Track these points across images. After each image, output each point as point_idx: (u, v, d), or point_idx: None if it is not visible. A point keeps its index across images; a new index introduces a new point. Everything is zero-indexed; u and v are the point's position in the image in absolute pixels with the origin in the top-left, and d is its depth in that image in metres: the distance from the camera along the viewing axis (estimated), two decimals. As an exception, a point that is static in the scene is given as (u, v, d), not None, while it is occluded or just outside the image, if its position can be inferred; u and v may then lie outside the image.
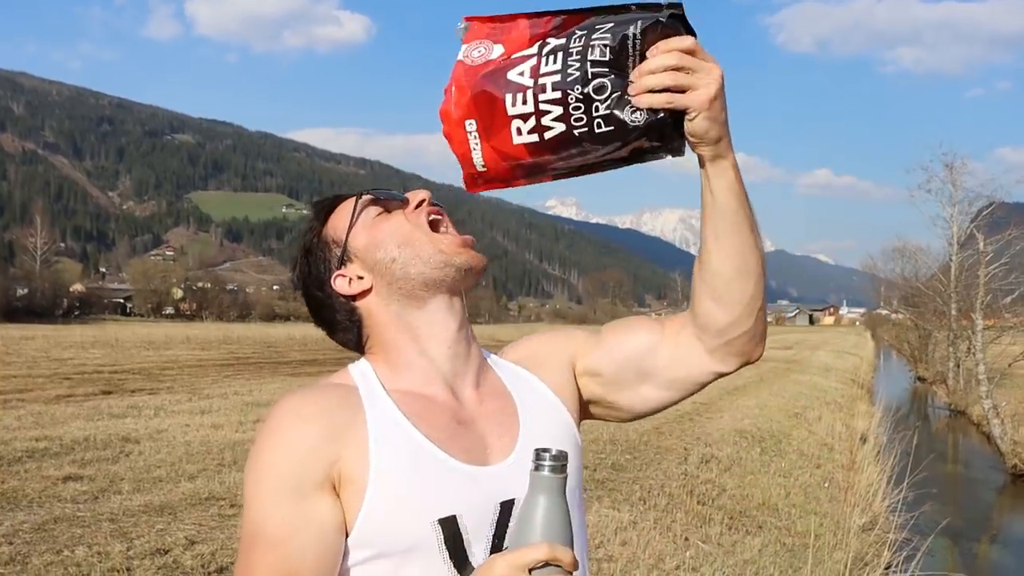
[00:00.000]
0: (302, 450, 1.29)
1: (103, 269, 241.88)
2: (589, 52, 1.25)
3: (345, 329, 1.48)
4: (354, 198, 1.49)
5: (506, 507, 1.32)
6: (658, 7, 1.24)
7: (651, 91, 1.22)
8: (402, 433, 1.33)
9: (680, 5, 1.24)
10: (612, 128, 1.26)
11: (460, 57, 1.37)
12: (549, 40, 1.31)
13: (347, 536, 1.30)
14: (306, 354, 34.62)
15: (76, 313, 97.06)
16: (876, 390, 29.55)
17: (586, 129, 1.27)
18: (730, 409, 17.69)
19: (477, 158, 1.37)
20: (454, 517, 1.28)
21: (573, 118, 1.27)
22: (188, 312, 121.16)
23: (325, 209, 1.52)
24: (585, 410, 1.59)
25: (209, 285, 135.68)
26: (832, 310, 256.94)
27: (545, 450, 1.16)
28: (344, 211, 1.48)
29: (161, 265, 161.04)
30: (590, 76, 1.25)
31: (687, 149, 1.31)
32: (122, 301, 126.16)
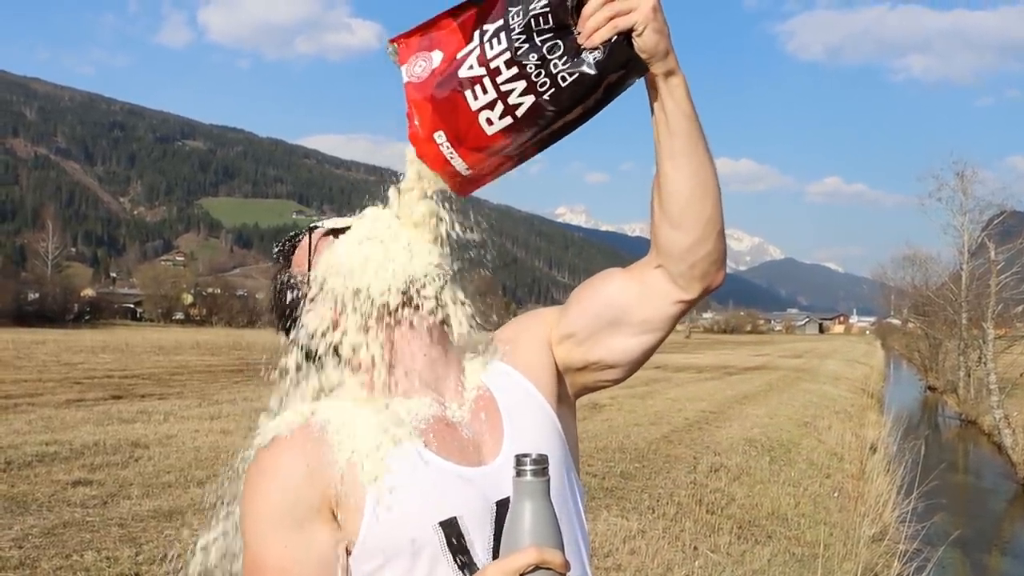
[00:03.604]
0: (295, 480, 1.31)
1: (113, 274, 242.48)
2: (532, 23, 1.27)
3: (329, 359, 1.49)
4: (307, 233, 1.52)
5: (502, 505, 1.32)
6: None
7: (598, 29, 1.26)
8: (392, 445, 1.34)
9: None
10: (577, 76, 1.29)
11: (405, 79, 1.38)
12: (486, 27, 1.32)
13: (351, 552, 1.31)
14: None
15: (87, 318, 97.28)
16: (886, 399, 29.43)
17: (554, 89, 1.30)
18: (739, 418, 17.65)
19: (459, 164, 1.38)
20: (455, 519, 1.30)
21: (538, 85, 1.30)
22: (198, 317, 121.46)
23: (286, 251, 1.55)
24: (574, 384, 1.57)
25: (219, 291, 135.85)
26: (842, 319, 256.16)
27: (525, 455, 1.16)
28: (304, 248, 1.51)
29: (171, 270, 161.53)
30: (539, 42, 1.28)
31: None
32: (132, 306, 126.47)
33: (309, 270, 1.47)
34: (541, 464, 1.15)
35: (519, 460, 1.16)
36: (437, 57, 1.36)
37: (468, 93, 1.32)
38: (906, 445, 12.94)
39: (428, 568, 1.28)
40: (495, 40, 1.30)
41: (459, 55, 1.34)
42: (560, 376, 1.54)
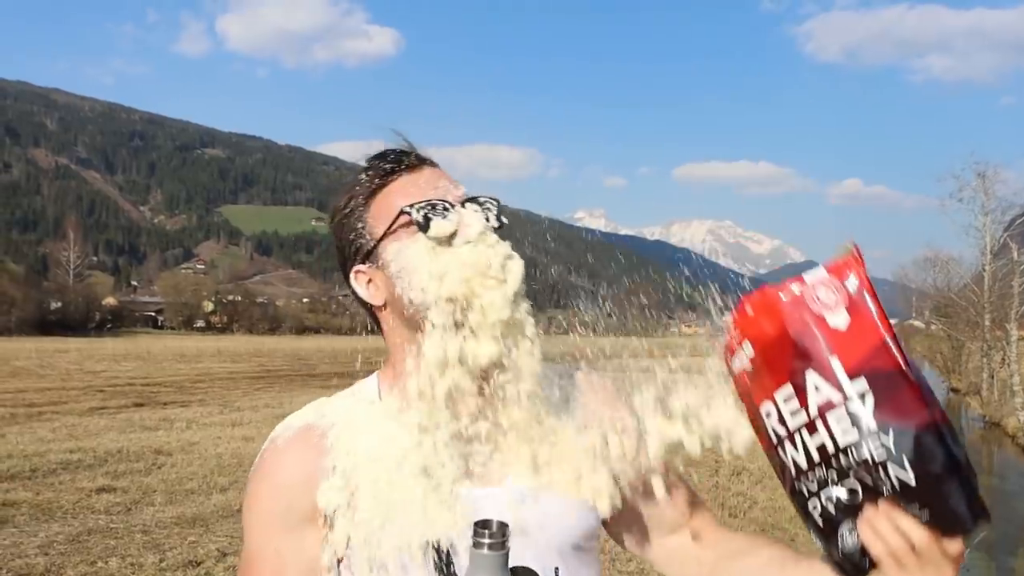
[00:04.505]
0: (289, 484, 1.30)
1: (135, 282, 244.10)
2: (888, 465, 1.08)
3: (363, 308, 1.42)
4: (401, 204, 1.33)
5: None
6: (977, 507, 1.09)
7: (876, 534, 1.12)
8: (395, 456, 1.30)
9: (987, 516, 1.09)
10: (822, 523, 1.17)
11: (808, 278, 1.16)
12: (867, 392, 1.09)
13: (340, 559, 1.29)
14: (336, 366, 34.74)
15: (108, 326, 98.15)
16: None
17: (804, 497, 1.19)
18: (761, 421, 17.57)
19: (735, 363, 1.24)
20: (446, 539, 1.25)
21: (805, 478, 1.18)
22: (219, 325, 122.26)
23: (376, 186, 1.38)
24: None
25: (239, 298, 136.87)
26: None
27: (484, 525, 1.11)
28: (385, 215, 1.35)
29: (192, 278, 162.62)
30: (851, 476, 1.12)
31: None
32: (153, 314, 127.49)
33: (380, 240, 1.34)
34: (500, 537, 1.10)
35: (476, 530, 1.11)
36: (839, 319, 1.12)
37: (786, 388, 1.15)
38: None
39: None
40: (849, 422, 1.10)
41: (833, 352, 1.11)
42: None
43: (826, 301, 1.13)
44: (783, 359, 1.15)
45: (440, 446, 1.31)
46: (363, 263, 1.37)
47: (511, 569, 1.17)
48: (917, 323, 72.38)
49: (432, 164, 1.41)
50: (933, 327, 51.03)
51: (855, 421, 1.09)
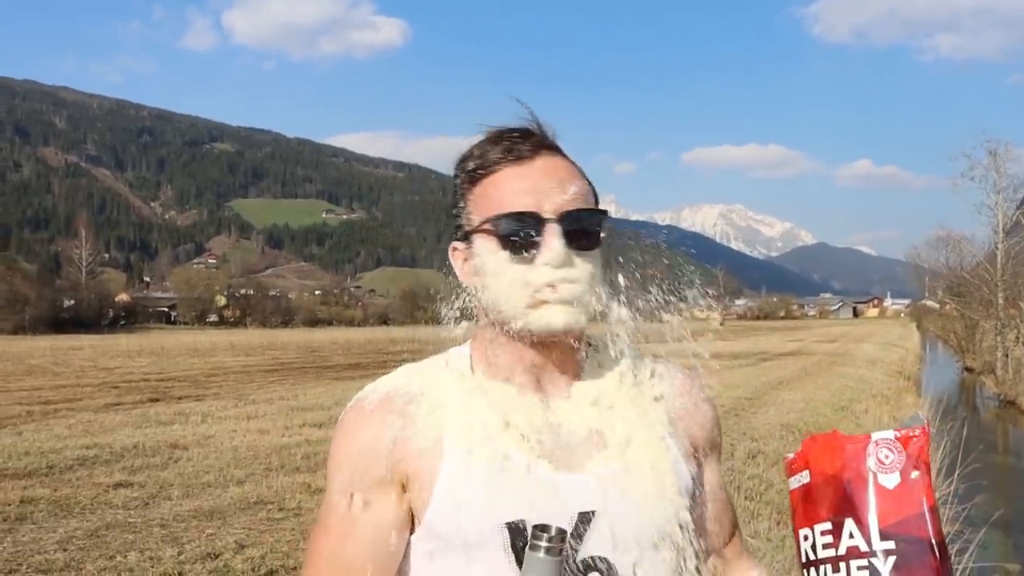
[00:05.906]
0: (368, 449, 1.30)
1: (147, 278, 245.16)
2: None
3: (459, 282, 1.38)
4: (498, 199, 1.29)
5: (584, 518, 1.26)
6: None
7: None
8: (480, 433, 1.29)
9: None
10: None
11: (876, 436, 1.26)
12: (892, 553, 1.21)
13: (414, 530, 1.30)
14: (349, 358, 34.82)
15: (122, 322, 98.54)
16: (923, 382, 29.20)
17: None
18: (775, 403, 17.56)
19: (793, 481, 1.36)
20: (523, 522, 1.23)
21: None
22: (232, 319, 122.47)
23: (480, 175, 1.33)
24: None
25: (252, 292, 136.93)
26: (876, 302, 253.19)
27: (543, 528, 1.13)
28: (486, 195, 1.31)
29: (204, 273, 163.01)
30: None
31: None
32: (166, 310, 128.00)
33: (474, 229, 1.32)
34: (557, 542, 1.12)
35: (535, 532, 1.13)
36: (891, 481, 1.23)
37: (821, 529, 1.29)
38: (945, 427, 12.83)
39: (487, 565, 1.24)
40: (864, 573, 1.21)
41: (869, 517, 1.23)
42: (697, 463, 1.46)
43: (884, 461, 1.24)
44: (831, 498, 1.27)
45: (526, 431, 1.30)
46: (461, 241, 1.35)
47: (585, 560, 1.23)
48: (930, 303, 72.31)
49: (550, 150, 1.34)
50: (946, 306, 50.92)
51: (872, 575, 1.21)
